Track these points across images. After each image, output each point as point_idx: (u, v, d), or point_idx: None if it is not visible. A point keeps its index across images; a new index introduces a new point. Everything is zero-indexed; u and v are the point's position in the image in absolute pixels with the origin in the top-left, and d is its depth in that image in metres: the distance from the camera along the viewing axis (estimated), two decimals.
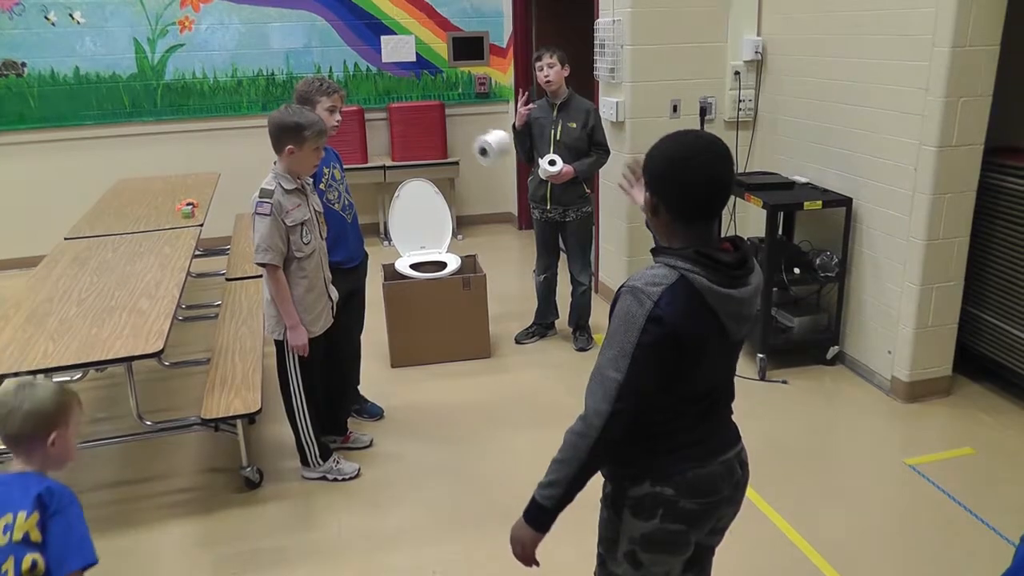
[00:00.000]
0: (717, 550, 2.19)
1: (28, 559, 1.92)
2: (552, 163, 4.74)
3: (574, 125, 4.75)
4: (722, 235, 1.95)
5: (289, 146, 3.36)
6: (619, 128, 5.38)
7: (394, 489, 3.76)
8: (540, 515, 1.90)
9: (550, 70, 4.71)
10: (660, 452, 1.88)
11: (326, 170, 3.79)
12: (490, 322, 5.14)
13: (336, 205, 3.86)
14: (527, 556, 1.98)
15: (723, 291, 1.78)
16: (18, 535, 1.94)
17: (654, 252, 1.86)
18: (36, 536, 1.97)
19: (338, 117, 3.78)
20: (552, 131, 4.80)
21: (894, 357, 4.41)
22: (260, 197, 3.34)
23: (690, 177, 1.78)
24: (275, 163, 3.44)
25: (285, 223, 3.36)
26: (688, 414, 1.88)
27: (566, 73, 4.75)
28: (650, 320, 1.73)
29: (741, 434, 2.03)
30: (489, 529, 3.45)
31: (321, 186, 3.77)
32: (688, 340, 1.76)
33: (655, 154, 1.84)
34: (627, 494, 1.94)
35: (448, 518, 3.54)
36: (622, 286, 1.81)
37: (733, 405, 2.03)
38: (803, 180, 4.93)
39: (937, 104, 3.95)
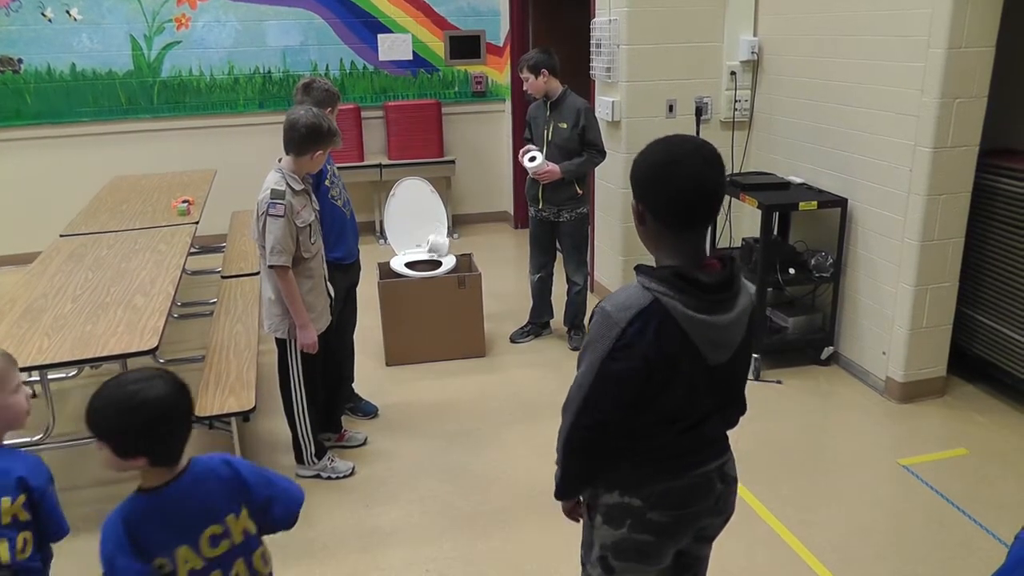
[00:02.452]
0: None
1: (20, 539, 1.99)
2: (532, 159, 4.75)
3: (564, 125, 4.75)
4: (718, 237, 1.95)
5: (319, 151, 3.39)
6: (615, 128, 5.39)
7: (388, 487, 3.77)
8: (556, 490, 2.00)
9: (526, 82, 4.78)
10: (630, 463, 1.87)
11: (328, 167, 3.82)
12: (485, 321, 5.14)
13: (338, 201, 3.89)
14: (569, 516, 2.13)
15: (699, 317, 1.71)
16: (6, 519, 1.96)
17: (637, 270, 1.79)
18: (24, 516, 2.00)
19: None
20: (545, 131, 4.82)
21: (888, 358, 4.42)
22: (273, 198, 3.31)
23: (677, 184, 1.72)
24: (279, 161, 3.44)
25: (296, 224, 3.36)
26: (664, 432, 1.85)
27: (544, 79, 4.74)
28: (616, 348, 1.71)
29: (737, 436, 2.03)
30: (483, 527, 3.45)
31: (327, 183, 3.80)
32: (657, 365, 1.72)
33: (640, 160, 1.78)
34: (599, 500, 1.94)
35: (442, 516, 3.54)
36: (599, 303, 1.79)
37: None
38: (798, 180, 4.94)
39: (932, 105, 3.96)
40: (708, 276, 1.74)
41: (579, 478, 1.94)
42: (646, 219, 1.79)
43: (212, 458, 1.91)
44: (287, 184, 3.35)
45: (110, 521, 1.79)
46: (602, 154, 4.83)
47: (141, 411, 1.71)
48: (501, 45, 7.87)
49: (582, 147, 4.78)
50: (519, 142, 5.04)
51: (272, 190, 3.33)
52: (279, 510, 1.97)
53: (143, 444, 1.74)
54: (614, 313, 1.72)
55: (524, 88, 4.89)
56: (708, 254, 1.82)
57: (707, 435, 1.90)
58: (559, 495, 2.01)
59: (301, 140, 3.36)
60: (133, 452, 1.74)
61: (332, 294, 3.74)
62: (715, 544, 2.11)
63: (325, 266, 3.66)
